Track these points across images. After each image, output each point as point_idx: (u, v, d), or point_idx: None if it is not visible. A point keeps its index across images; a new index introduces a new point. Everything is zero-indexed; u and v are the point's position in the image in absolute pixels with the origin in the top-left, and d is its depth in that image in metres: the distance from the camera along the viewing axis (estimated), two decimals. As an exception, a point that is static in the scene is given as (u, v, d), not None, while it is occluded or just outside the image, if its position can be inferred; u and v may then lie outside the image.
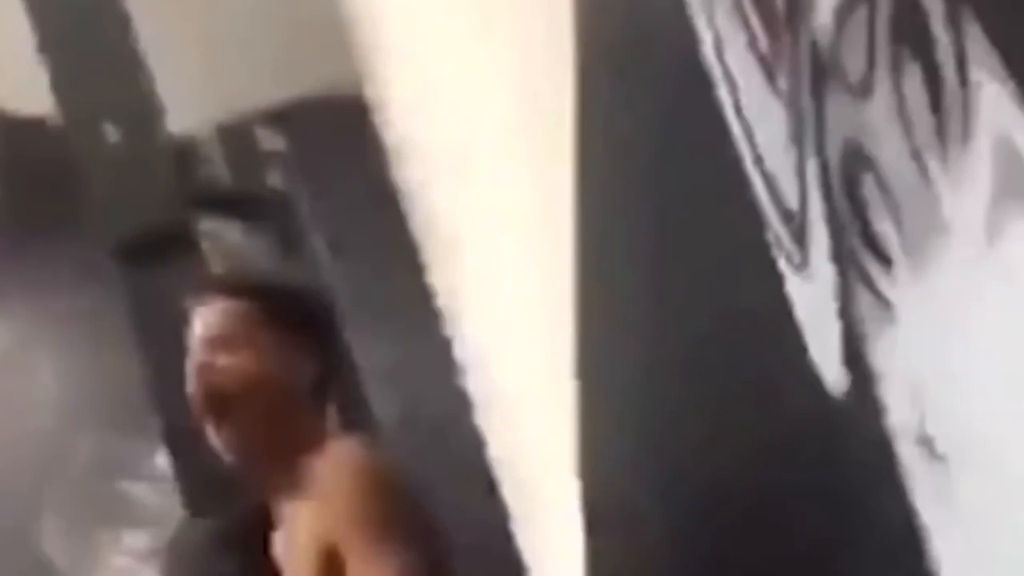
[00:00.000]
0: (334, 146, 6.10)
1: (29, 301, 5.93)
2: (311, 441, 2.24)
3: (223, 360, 2.27)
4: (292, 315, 2.29)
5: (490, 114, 3.21)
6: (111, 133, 2.65)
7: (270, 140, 6.24)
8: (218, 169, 2.91)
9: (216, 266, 2.86)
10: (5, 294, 6.00)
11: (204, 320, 2.33)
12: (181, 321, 2.75)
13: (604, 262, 2.42)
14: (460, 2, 3.37)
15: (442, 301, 5.07)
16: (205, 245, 2.82)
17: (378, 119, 5.92)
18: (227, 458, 2.28)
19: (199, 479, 2.83)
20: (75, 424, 5.91)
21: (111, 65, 2.77)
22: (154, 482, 5.20)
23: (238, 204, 2.86)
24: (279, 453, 2.25)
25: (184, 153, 2.95)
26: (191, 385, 2.29)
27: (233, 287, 2.40)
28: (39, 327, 6.02)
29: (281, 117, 6.21)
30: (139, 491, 5.50)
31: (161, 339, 2.73)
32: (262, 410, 2.25)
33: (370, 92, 5.90)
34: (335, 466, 2.18)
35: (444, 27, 3.58)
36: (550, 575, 3.44)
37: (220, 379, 2.27)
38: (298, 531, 2.20)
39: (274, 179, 3.16)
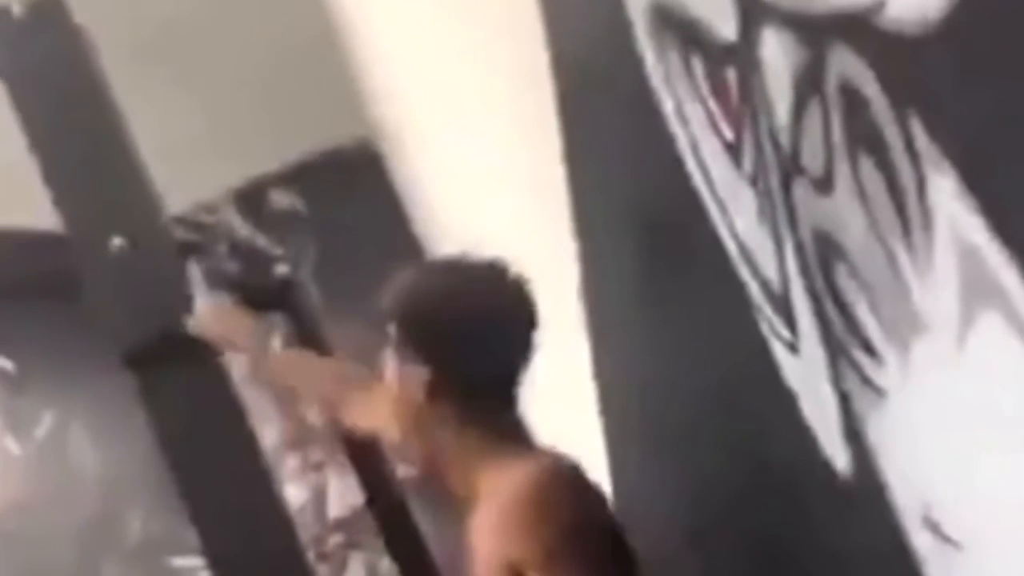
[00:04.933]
0: (348, 199, 6.13)
1: (69, 390, 6.00)
2: (488, 454, 2.17)
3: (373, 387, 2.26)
4: (398, 327, 2.22)
5: (489, 143, 3.23)
6: (115, 241, 2.65)
7: (286, 200, 6.27)
8: (225, 261, 2.92)
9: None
10: (47, 385, 6.07)
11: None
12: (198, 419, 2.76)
13: (608, 322, 2.42)
14: (457, 45, 3.37)
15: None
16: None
17: (388, 165, 5.95)
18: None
19: (231, 562, 2.82)
20: (122, 503, 5.96)
21: (110, 176, 2.78)
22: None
23: (246, 298, 2.87)
24: (455, 470, 2.19)
25: (191, 248, 2.96)
26: None
27: (385, 307, 2.32)
28: (79, 414, 6.08)
29: (295, 176, 6.24)
30: (191, 565, 5.52)
31: (180, 438, 2.73)
32: (407, 430, 2.21)
33: (380, 140, 5.92)
34: (513, 486, 2.10)
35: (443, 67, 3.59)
36: None
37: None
38: (479, 547, 2.14)
39: (281, 267, 3.17)
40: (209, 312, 2.87)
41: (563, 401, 3.16)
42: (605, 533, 2.05)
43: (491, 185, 3.39)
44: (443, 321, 2.17)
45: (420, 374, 2.17)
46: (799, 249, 1.43)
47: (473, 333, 2.16)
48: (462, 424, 2.17)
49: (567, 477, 2.10)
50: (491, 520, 2.08)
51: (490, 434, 2.16)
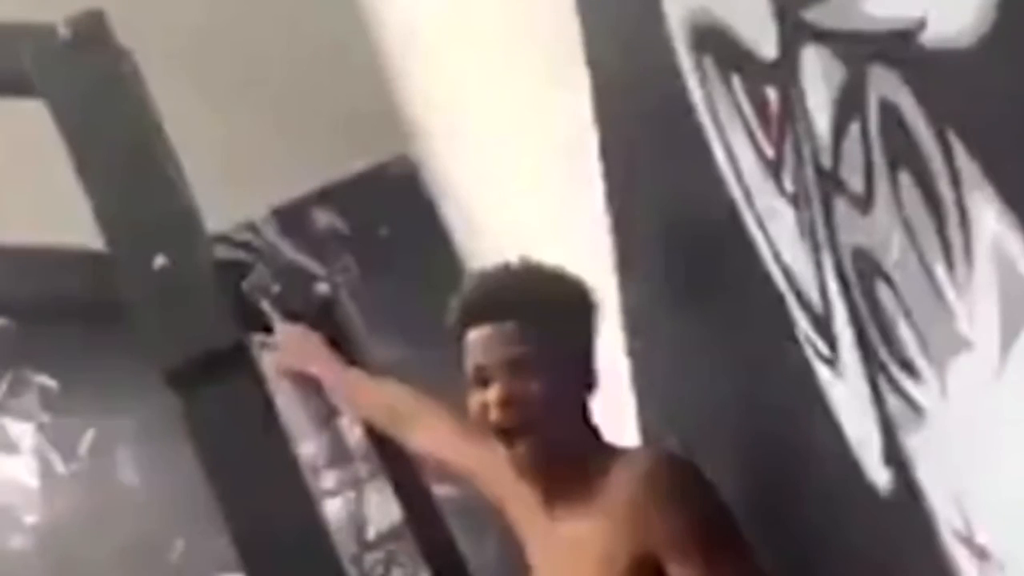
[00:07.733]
0: (388, 216, 6.16)
1: (111, 409, 6.04)
2: (598, 451, 2.16)
3: (514, 387, 2.17)
4: (555, 327, 2.18)
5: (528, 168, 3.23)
6: (158, 260, 2.67)
7: (327, 219, 6.30)
8: (268, 281, 2.93)
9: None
10: (90, 403, 6.12)
11: (482, 347, 2.22)
12: (242, 437, 2.76)
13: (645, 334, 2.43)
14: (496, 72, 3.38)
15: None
16: (260, 358, 2.84)
17: (430, 187, 5.97)
18: (521, 475, 2.21)
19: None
20: (164, 521, 5.98)
21: (153, 195, 2.80)
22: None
23: (286, 319, 2.89)
24: (573, 468, 2.17)
25: (231, 267, 2.97)
26: (479, 412, 2.19)
27: (498, 310, 2.25)
28: (121, 432, 6.12)
29: (336, 195, 6.27)
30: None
31: (222, 456, 2.74)
32: (552, 430, 2.16)
33: (422, 161, 5.95)
34: (636, 472, 2.08)
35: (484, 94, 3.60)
36: None
37: (515, 409, 2.18)
38: (590, 547, 2.10)
39: (321, 286, 3.17)
40: (287, 339, 2.90)
41: (600, 406, 3.17)
42: (730, 513, 2.04)
43: (528, 192, 3.40)
44: (585, 311, 2.15)
45: (576, 376, 2.14)
46: (839, 266, 1.43)
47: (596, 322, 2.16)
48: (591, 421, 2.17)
49: (686, 462, 2.10)
50: (614, 514, 2.05)
51: (599, 430, 2.17)
